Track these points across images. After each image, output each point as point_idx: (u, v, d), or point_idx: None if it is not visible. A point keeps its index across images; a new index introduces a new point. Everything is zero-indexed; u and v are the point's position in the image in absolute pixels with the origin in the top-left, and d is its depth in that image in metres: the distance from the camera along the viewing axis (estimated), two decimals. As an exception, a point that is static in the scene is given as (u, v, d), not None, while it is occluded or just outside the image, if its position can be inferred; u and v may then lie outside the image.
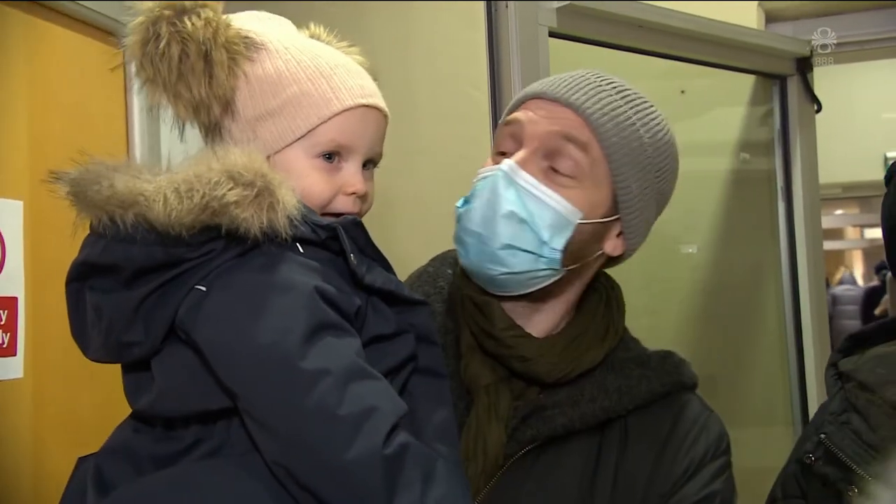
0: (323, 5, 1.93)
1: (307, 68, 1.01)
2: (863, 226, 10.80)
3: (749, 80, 2.62)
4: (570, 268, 1.14)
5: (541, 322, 1.19)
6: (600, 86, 1.14)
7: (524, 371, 1.14)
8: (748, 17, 2.68)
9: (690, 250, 2.52)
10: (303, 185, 0.98)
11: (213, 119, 0.99)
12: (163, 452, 0.92)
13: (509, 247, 1.10)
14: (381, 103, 1.05)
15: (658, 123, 1.16)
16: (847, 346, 1.37)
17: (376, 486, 0.82)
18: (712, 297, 2.58)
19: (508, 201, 1.10)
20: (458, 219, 1.15)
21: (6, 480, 1.77)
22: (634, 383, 1.15)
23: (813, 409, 2.47)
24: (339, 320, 0.90)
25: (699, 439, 1.15)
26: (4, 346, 1.76)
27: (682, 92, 2.46)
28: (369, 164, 1.06)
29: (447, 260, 1.29)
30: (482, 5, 2.00)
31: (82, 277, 0.95)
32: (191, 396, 0.91)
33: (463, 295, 1.19)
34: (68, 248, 1.90)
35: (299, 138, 1.00)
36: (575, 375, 1.14)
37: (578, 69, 1.19)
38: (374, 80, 1.09)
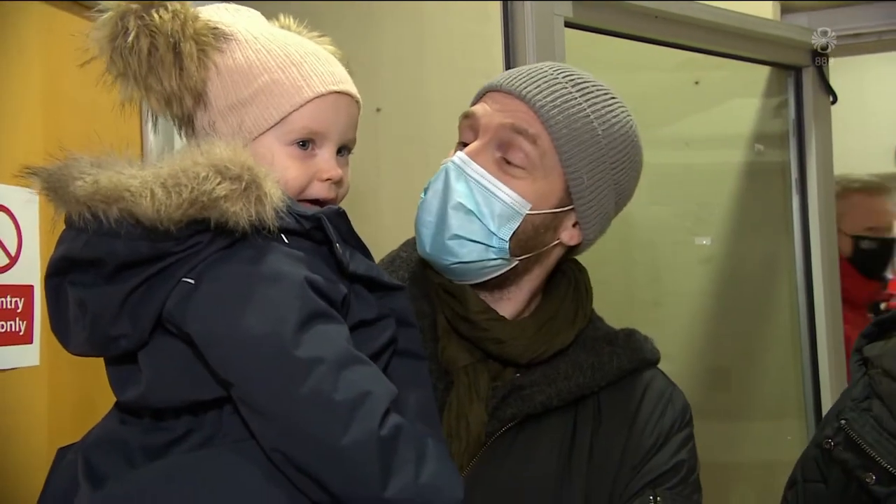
0: (335, 4, 1.93)
1: (277, 57, 1.02)
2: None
3: (764, 71, 2.60)
4: (523, 257, 1.18)
5: (506, 307, 1.23)
6: (556, 78, 1.18)
7: (499, 353, 1.19)
8: (763, 7, 2.65)
9: (704, 242, 2.52)
10: (278, 172, 0.98)
11: (185, 111, 1.01)
12: (154, 443, 0.94)
13: (457, 237, 1.14)
14: (353, 89, 1.07)
15: (615, 115, 1.19)
16: (873, 331, 1.37)
17: (373, 467, 0.85)
18: (725, 289, 2.57)
19: (457, 192, 1.14)
20: (417, 209, 1.19)
21: (22, 468, 1.78)
22: (606, 360, 1.21)
23: (826, 403, 2.46)
24: (329, 309, 0.92)
25: (666, 412, 1.22)
26: (21, 333, 1.77)
27: (697, 83, 2.44)
28: (343, 150, 1.08)
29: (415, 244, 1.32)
30: (496, -1, 1.99)
31: (62, 272, 0.95)
32: (182, 387, 0.92)
33: (435, 283, 1.22)
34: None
35: (272, 126, 1.01)
36: (548, 356, 1.20)
37: (544, 63, 1.23)
38: (346, 68, 1.09)
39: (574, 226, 1.21)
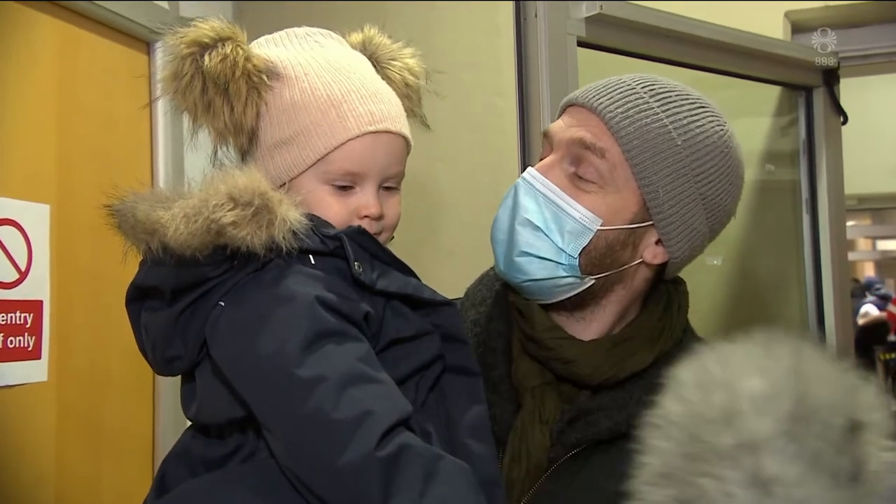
0: (345, 13, 1.92)
1: (319, 97, 1.04)
2: (875, 237, 10.74)
3: (775, 90, 2.61)
4: (599, 276, 1.12)
5: (590, 329, 1.17)
6: (633, 89, 1.13)
7: (566, 373, 1.13)
8: (774, 27, 2.66)
9: (715, 262, 2.51)
10: (319, 210, 1.02)
11: (240, 145, 1.05)
12: (212, 455, 0.98)
13: (525, 254, 1.11)
14: (394, 126, 1.07)
15: (699, 124, 1.11)
16: None
17: (372, 488, 0.84)
18: (736, 309, 2.56)
19: (525, 209, 1.12)
20: (491, 227, 1.17)
21: (30, 482, 1.77)
22: None
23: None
24: (343, 327, 0.92)
25: None
26: (29, 349, 1.77)
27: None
28: (388, 184, 1.08)
29: None
30: (505, 13, 1.99)
31: (136, 299, 1.02)
32: (221, 405, 0.97)
33: (510, 302, 1.19)
34: (94, 252, 1.92)
35: (311, 166, 1.03)
36: (623, 378, 1.12)
37: (627, 74, 1.18)
38: (424, 81, 1.16)
39: (657, 243, 1.13)
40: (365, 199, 1.05)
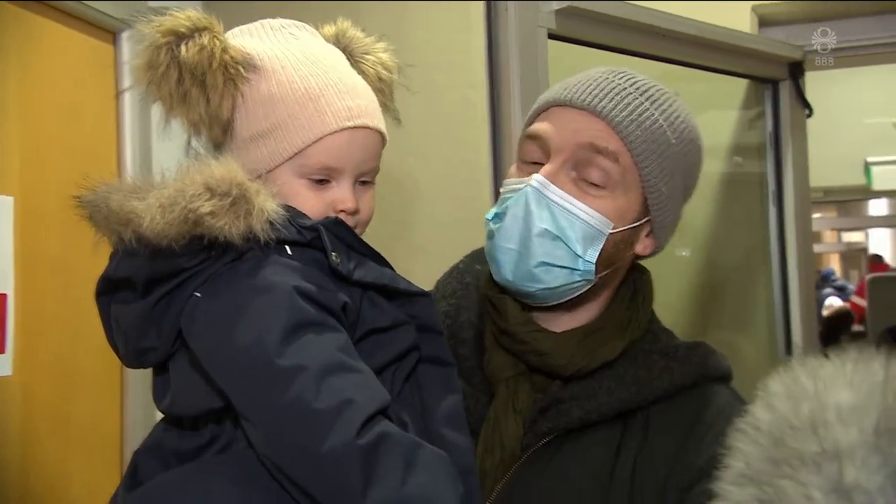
0: (318, 5, 1.91)
1: (297, 90, 1.04)
2: (840, 229, 10.92)
3: (742, 84, 2.64)
4: (602, 273, 1.15)
5: (559, 321, 1.19)
6: (626, 89, 1.13)
7: (540, 365, 1.15)
8: (742, 21, 2.69)
9: (683, 253, 2.53)
10: (295, 203, 1.02)
11: (215, 137, 1.05)
12: (186, 448, 0.98)
13: (544, 264, 1.11)
14: (371, 122, 1.07)
15: (682, 120, 1.15)
16: (889, 339, 1.37)
17: (353, 476, 0.85)
18: (704, 299, 2.59)
19: (541, 218, 1.10)
20: (490, 235, 1.15)
21: (-5, 479, 1.75)
22: (655, 375, 1.13)
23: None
24: (321, 317, 0.93)
25: (724, 432, 1.08)
26: (-6, 343, 1.74)
27: (677, 95, 2.46)
28: (364, 179, 1.09)
29: (479, 256, 1.30)
30: (478, 8, 1.99)
31: (106, 291, 1.01)
32: (198, 396, 0.96)
33: (482, 294, 1.21)
34: (62, 244, 1.89)
35: (287, 160, 1.03)
36: (594, 368, 1.14)
37: (595, 69, 1.18)
38: (398, 76, 1.15)
39: (647, 235, 1.17)
40: (341, 194, 1.05)
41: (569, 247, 1.10)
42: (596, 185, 1.11)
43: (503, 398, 1.14)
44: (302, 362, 0.88)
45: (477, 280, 1.25)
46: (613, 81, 1.14)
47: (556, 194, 1.10)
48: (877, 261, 8.77)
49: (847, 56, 2.74)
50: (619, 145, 1.11)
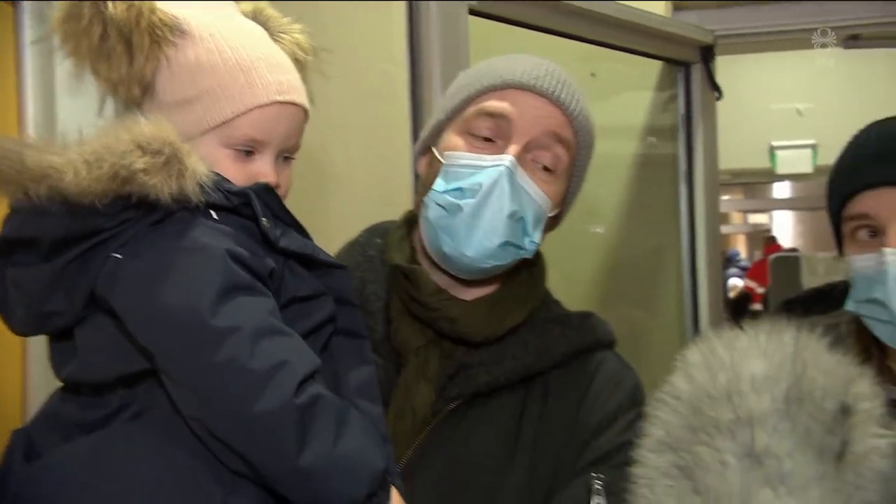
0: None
1: (227, 60, 1.02)
2: (747, 211, 11.32)
3: (657, 65, 2.71)
4: None
5: (478, 291, 1.24)
6: (572, 84, 1.21)
7: (451, 332, 1.19)
8: (658, 4, 2.75)
9: (598, 230, 2.60)
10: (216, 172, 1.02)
11: (133, 98, 1.02)
12: (90, 418, 0.95)
13: (507, 243, 1.15)
14: (299, 98, 1.08)
15: (590, 114, 1.25)
16: (785, 311, 1.43)
17: (288, 436, 0.87)
18: (617, 275, 2.66)
19: (511, 199, 1.14)
20: (452, 209, 1.16)
21: None
22: (553, 342, 1.21)
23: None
24: (252, 281, 0.93)
25: (614, 394, 1.22)
26: None
27: (593, 75, 2.51)
28: (286, 154, 1.09)
29: (378, 230, 1.33)
30: (399, -19, 1.98)
31: (3, 253, 0.97)
32: (112, 361, 0.94)
33: (390, 265, 1.24)
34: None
35: (213, 128, 1.02)
36: (500, 335, 1.20)
37: (533, 57, 1.25)
38: (315, 57, 1.14)
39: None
40: (263, 168, 1.05)
41: (525, 228, 1.16)
42: (547, 171, 1.18)
43: (414, 366, 1.18)
44: (236, 323, 0.88)
45: (381, 253, 1.28)
46: (562, 74, 1.21)
47: (523, 177, 1.16)
48: (771, 242, 9.14)
49: (755, 42, 2.84)
50: (572, 137, 1.19)
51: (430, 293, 1.19)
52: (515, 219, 1.14)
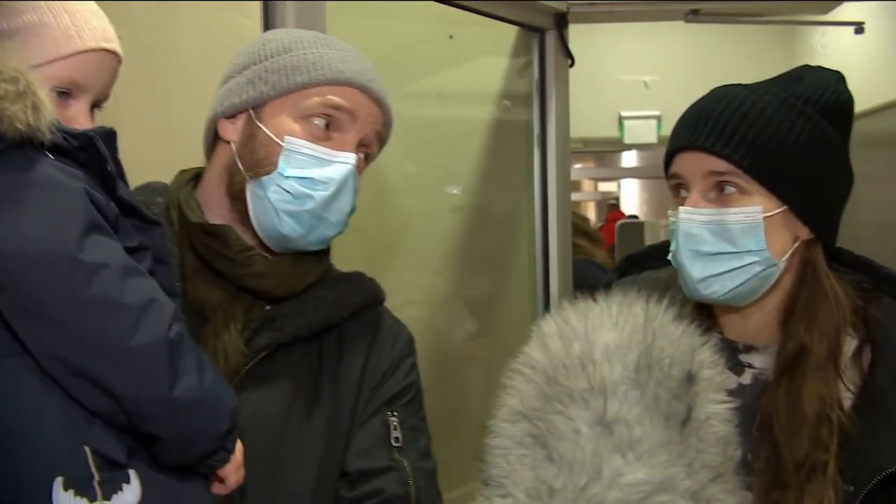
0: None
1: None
2: (598, 179, 11.73)
3: (514, 31, 2.73)
4: None
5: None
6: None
7: (257, 287, 1.28)
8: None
9: (454, 191, 2.63)
10: None
11: None
12: None
13: (339, 232, 1.33)
14: (118, 48, 1.08)
15: None
16: (624, 266, 1.53)
17: (162, 368, 0.90)
18: (472, 236, 2.70)
19: (353, 196, 1.31)
20: (299, 197, 1.25)
21: None
22: (345, 296, 1.35)
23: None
24: (105, 223, 0.94)
25: (397, 342, 1.40)
26: None
27: (451, 37, 2.51)
28: (100, 104, 1.09)
29: (155, 189, 1.37)
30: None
31: None
32: None
33: (191, 223, 1.28)
34: None
35: (35, 66, 0.96)
36: (299, 290, 1.31)
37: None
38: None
39: None
40: (79, 114, 1.03)
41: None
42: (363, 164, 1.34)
43: (221, 319, 1.25)
44: (103, 260, 0.89)
45: (167, 212, 1.32)
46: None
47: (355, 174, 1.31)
48: (613, 209, 9.56)
49: (607, 12, 2.93)
50: (385, 136, 1.39)
51: (238, 250, 1.26)
52: (351, 212, 1.29)
